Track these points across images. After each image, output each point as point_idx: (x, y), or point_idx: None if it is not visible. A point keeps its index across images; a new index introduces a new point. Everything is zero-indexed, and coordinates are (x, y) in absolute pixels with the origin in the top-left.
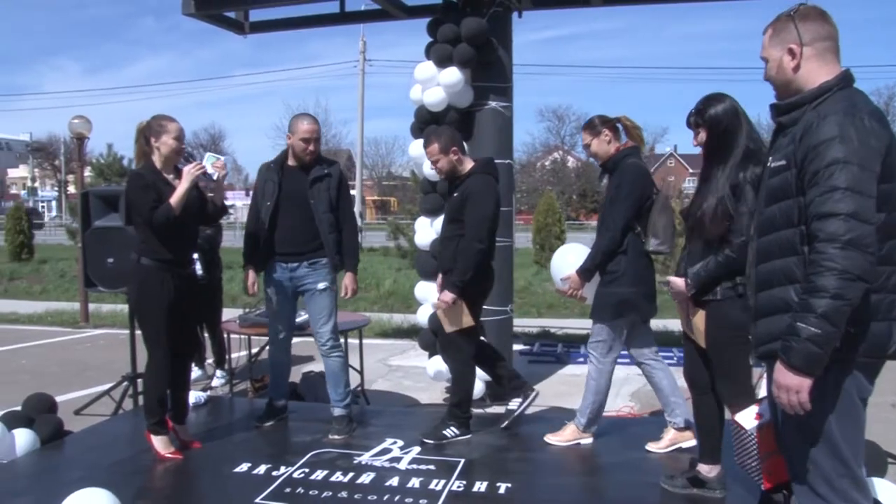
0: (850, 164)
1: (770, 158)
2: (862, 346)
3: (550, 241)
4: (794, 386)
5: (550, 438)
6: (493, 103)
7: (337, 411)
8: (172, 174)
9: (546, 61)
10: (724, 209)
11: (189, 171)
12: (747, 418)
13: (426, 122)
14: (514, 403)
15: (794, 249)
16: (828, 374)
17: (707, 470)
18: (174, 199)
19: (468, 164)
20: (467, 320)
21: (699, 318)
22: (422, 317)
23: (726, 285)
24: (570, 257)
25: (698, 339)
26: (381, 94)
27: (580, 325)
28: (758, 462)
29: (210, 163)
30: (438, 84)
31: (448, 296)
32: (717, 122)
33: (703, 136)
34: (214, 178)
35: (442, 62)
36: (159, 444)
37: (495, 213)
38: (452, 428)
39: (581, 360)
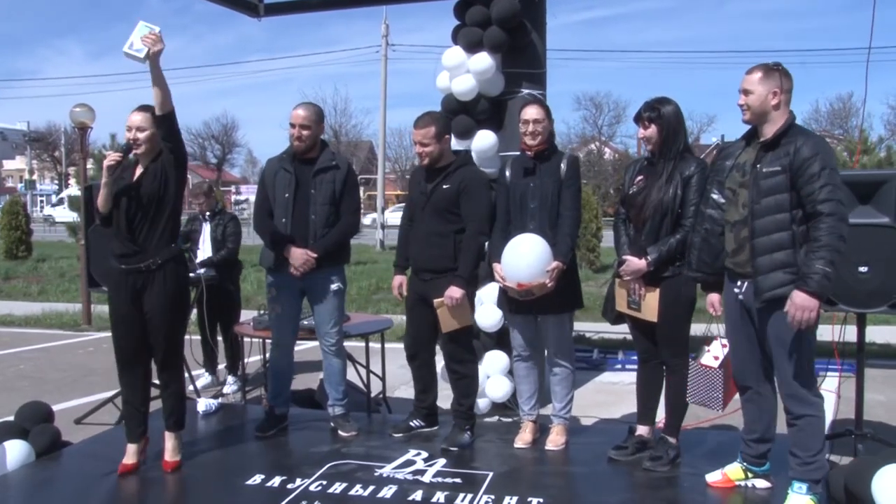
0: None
1: (758, 166)
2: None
3: (587, 239)
4: (811, 306)
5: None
6: (525, 91)
7: (339, 409)
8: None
9: (583, 45)
10: (678, 199)
11: (104, 165)
12: (710, 360)
13: (454, 112)
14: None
15: (787, 227)
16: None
17: (647, 431)
18: (99, 198)
19: (451, 155)
20: (469, 317)
21: (652, 296)
22: None
23: (676, 263)
24: (522, 248)
25: (647, 314)
26: (405, 82)
27: (617, 329)
28: (721, 392)
29: (140, 35)
30: (468, 71)
31: (458, 291)
32: (669, 120)
33: (653, 130)
34: (141, 55)
35: (471, 47)
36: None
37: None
38: (469, 432)
39: (618, 366)
